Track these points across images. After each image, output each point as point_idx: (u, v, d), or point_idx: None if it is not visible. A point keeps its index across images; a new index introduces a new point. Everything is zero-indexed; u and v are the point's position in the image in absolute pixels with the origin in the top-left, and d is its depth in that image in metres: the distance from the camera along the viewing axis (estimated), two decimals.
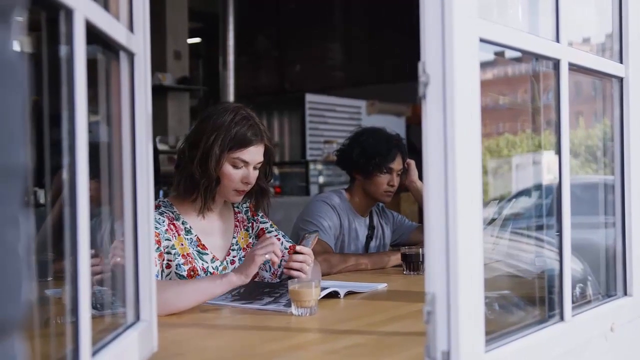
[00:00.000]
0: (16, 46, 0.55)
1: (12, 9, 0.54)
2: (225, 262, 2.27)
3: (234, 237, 2.33)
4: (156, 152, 4.48)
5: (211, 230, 2.27)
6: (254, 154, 2.20)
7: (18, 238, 0.54)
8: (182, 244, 2.17)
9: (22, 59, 0.56)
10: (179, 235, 2.17)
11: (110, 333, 1.25)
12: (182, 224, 2.21)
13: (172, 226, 2.17)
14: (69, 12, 0.99)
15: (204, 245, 2.22)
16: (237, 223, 2.36)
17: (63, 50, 1.02)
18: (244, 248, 2.34)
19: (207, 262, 2.21)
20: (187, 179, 2.19)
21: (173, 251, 2.14)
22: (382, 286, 2.34)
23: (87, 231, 1.02)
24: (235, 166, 2.18)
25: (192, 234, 2.21)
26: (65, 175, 1.00)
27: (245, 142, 2.17)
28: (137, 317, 1.36)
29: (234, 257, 2.30)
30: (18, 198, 0.54)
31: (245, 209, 2.41)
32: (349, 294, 2.17)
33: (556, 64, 1.51)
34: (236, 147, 2.16)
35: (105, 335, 1.23)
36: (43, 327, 1.22)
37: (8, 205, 0.53)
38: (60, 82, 1.02)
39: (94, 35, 1.12)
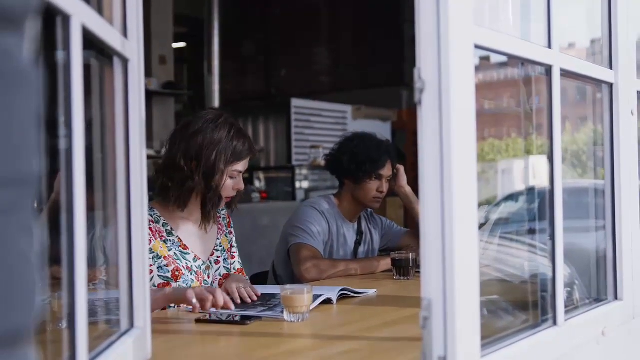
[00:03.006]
0: (29, 53, 0.55)
1: (25, 17, 0.54)
2: (208, 262, 2.35)
3: (217, 239, 2.41)
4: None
5: (194, 232, 2.34)
6: (247, 163, 2.33)
7: (32, 246, 0.53)
8: (161, 247, 2.22)
9: (34, 66, 0.55)
10: (156, 239, 2.23)
11: (105, 340, 1.24)
12: (163, 226, 2.27)
13: (149, 230, 2.20)
14: (66, 18, 0.98)
15: (185, 245, 2.29)
16: (220, 226, 2.45)
17: (59, 55, 1.01)
18: (227, 250, 2.43)
19: (189, 261, 2.27)
20: (187, 193, 2.25)
21: (151, 254, 2.18)
22: (372, 292, 2.34)
23: (83, 238, 1.01)
24: (231, 177, 2.29)
25: (173, 235, 2.27)
26: (62, 181, 1.00)
27: (243, 155, 2.29)
28: (131, 324, 1.35)
29: (218, 257, 2.39)
30: (31, 206, 0.54)
31: (223, 216, 2.50)
32: (342, 297, 2.17)
33: (548, 69, 1.52)
34: (237, 161, 2.27)
35: (98, 342, 1.22)
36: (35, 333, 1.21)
37: (22, 213, 0.53)
38: (56, 87, 1.02)
39: (89, 41, 1.11)
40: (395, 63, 8.79)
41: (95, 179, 1.35)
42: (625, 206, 1.82)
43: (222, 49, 8.34)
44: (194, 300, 1.88)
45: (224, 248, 2.42)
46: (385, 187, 3.01)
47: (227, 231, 2.48)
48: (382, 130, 7.71)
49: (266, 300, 2.12)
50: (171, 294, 2.01)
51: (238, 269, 2.44)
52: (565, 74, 1.57)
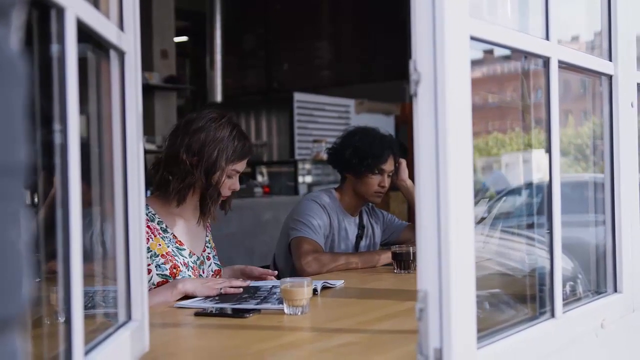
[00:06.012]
0: (16, 44, 0.55)
1: (12, 7, 0.54)
2: (202, 257, 2.40)
3: (207, 236, 2.47)
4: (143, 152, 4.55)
5: (187, 229, 2.37)
6: (245, 164, 2.37)
7: (19, 235, 0.54)
8: (159, 245, 2.25)
9: (21, 57, 0.56)
10: (155, 236, 2.25)
11: (102, 332, 1.25)
12: (158, 223, 2.29)
13: (147, 228, 2.22)
14: (60, 11, 0.98)
15: (180, 241, 2.32)
16: (208, 225, 2.49)
17: (54, 48, 1.01)
18: (213, 247, 2.49)
19: (186, 257, 2.31)
20: (187, 188, 2.27)
21: (149, 253, 2.20)
22: (339, 283, 2.37)
23: (79, 231, 1.01)
24: (229, 176, 2.32)
25: (168, 232, 2.30)
26: (57, 175, 1.00)
27: (244, 155, 2.33)
28: (129, 317, 1.36)
29: (208, 253, 2.44)
30: (19, 196, 0.54)
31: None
32: (324, 288, 2.23)
33: (546, 61, 1.52)
34: (237, 160, 2.31)
35: (96, 334, 1.23)
36: (33, 327, 1.21)
37: (10, 202, 0.53)
38: (51, 80, 1.02)
39: (84, 34, 1.11)
40: (397, 56, 8.77)
41: (93, 174, 1.35)
42: (625, 199, 1.82)
43: (224, 43, 8.34)
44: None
45: (211, 246, 2.48)
46: (387, 181, 3.01)
47: (210, 230, 2.53)
48: (385, 124, 7.71)
49: (253, 293, 2.12)
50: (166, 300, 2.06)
51: (215, 270, 2.46)
52: (563, 66, 1.57)
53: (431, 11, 1.15)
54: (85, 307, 1.12)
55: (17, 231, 0.54)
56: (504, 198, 2.39)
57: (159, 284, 2.19)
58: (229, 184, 2.32)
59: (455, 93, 1.17)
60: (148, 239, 2.21)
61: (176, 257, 2.26)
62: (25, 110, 0.56)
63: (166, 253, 2.25)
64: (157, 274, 2.21)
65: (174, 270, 2.23)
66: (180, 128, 2.31)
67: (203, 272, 2.37)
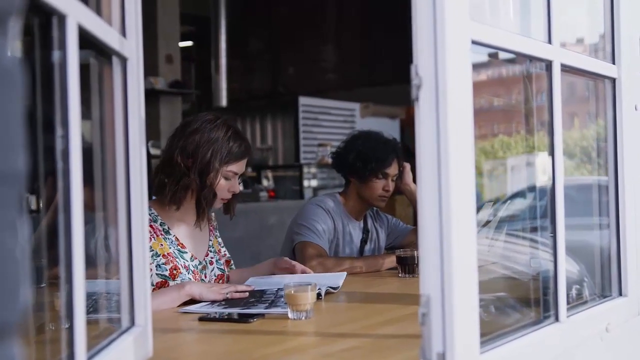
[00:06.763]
0: (13, 52, 0.55)
1: (9, 15, 0.54)
2: (204, 262, 2.39)
3: (210, 240, 2.46)
4: (148, 156, 4.54)
5: (189, 233, 2.38)
6: (243, 165, 2.36)
7: (16, 242, 0.54)
8: (161, 245, 2.26)
9: (19, 65, 0.56)
10: (157, 236, 2.26)
11: (105, 338, 1.25)
12: (160, 225, 2.30)
13: (149, 228, 2.23)
14: (62, 18, 0.99)
15: (182, 244, 2.33)
16: (211, 228, 2.50)
17: (56, 55, 1.01)
18: (217, 251, 2.48)
19: (187, 261, 2.31)
20: (182, 190, 2.27)
21: (151, 252, 2.21)
22: (342, 275, 2.41)
23: (81, 237, 1.01)
24: (226, 178, 2.31)
25: (171, 234, 2.31)
26: (59, 181, 1.00)
27: (240, 156, 2.32)
28: (132, 322, 1.36)
29: (211, 258, 2.44)
30: (16, 203, 0.55)
31: (213, 219, 2.56)
32: (328, 293, 2.22)
33: (548, 65, 1.51)
34: (232, 161, 2.30)
35: (99, 340, 1.23)
36: (37, 332, 1.22)
37: (7, 210, 0.53)
38: (53, 87, 1.02)
39: (87, 40, 1.11)
40: (402, 59, 8.76)
41: (96, 179, 1.35)
42: (629, 202, 1.82)
43: (228, 47, 8.35)
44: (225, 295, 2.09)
45: (215, 250, 2.47)
46: (391, 185, 3.01)
47: (216, 233, 2.53)
48: (390, 127, 7.71)
49: (259, 297, 2.12)
50: (171, 304, 2.05)
51: (219, 274, 2.46)
52: (566, 69, 1.56)
53: (432, 15, 1.15)
54: (88, 312, 1.12)
55: (15, 239, 0.54)
56: (509, 201, 2.39)
57: (158, 285, 2.20)
58: (228, 186, 2.32)
59: (456, 97, 1.17)
60: (150, 238, 2.21)
61: (177, 259, 2.27)
62: (24, 119, 0.57)
63: (167, 254, 2.25)
64: (156, 274, 2.22)
65: (174, 272, 2.24)
66: (177, 131, 2.34)
67: (205, 277, 2.36)
